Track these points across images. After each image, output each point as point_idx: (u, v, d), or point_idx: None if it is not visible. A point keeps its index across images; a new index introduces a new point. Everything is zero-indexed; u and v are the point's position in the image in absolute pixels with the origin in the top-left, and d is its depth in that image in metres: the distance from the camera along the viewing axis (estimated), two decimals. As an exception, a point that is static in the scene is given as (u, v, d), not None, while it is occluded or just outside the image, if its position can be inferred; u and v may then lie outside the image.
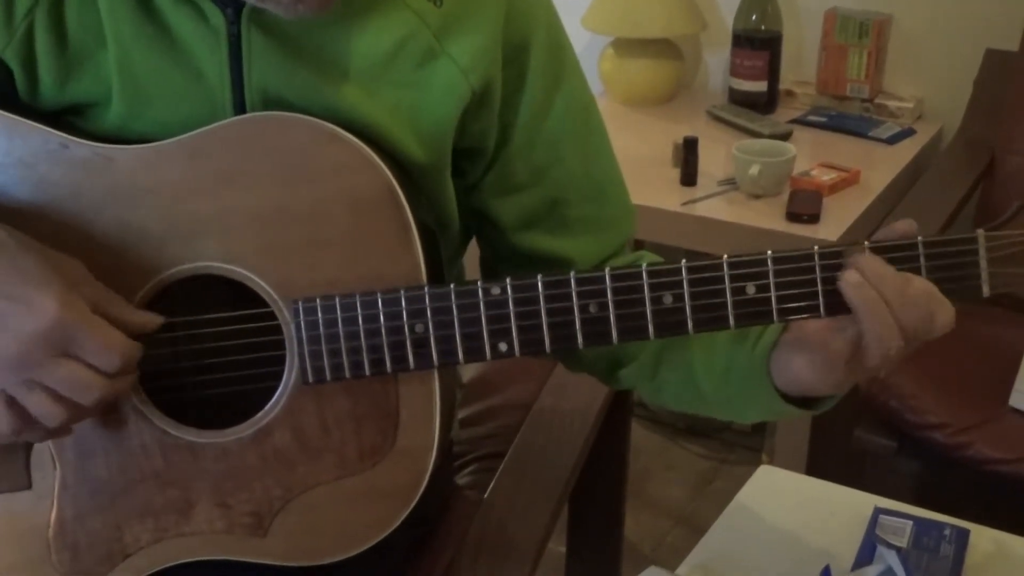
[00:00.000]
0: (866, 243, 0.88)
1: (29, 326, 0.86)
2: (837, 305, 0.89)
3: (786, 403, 0.97)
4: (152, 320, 0.94)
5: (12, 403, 0.89)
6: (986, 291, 0.88)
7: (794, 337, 0.94)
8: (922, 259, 0.88)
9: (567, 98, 1.07)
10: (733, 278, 0.89)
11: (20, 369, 0.87)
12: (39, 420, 0.89)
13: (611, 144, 1.13)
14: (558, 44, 1.08)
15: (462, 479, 1.40)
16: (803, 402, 0.98)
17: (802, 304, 0.90)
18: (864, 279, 0.87)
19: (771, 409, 0.99)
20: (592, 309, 0.90)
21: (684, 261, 0.89)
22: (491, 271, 1.14)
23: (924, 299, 0.87)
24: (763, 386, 0.97)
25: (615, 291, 0.90)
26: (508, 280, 0.91)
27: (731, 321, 0.90)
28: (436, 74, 0.99)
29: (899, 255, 0.88)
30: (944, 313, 0.88)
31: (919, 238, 0.88)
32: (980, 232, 0.88)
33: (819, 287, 0.89)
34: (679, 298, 0.90)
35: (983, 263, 0.88)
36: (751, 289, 0.89)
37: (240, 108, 0.96)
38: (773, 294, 0.89)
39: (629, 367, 1.09)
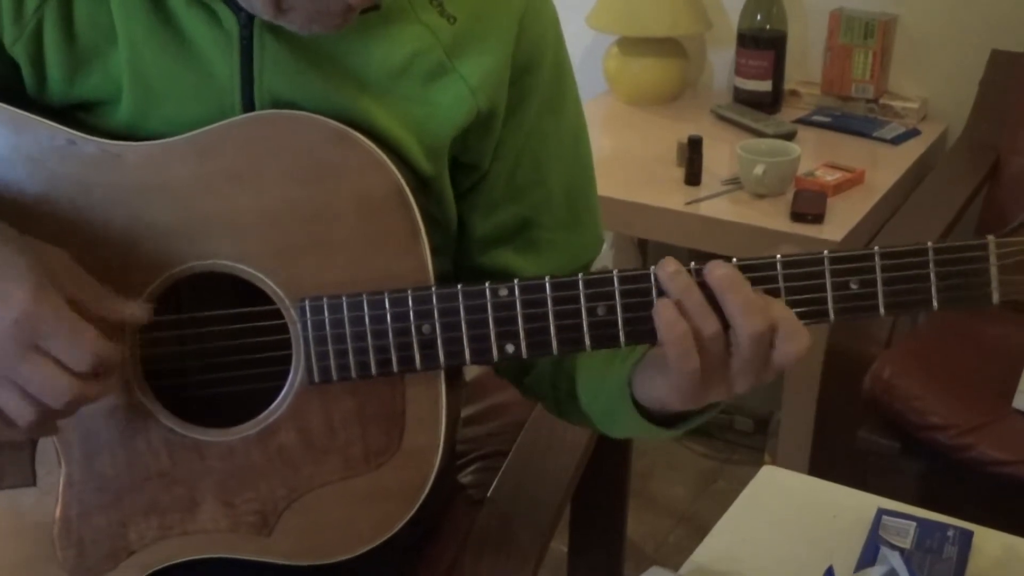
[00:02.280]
0: (876, 248, 0.88)
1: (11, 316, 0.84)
2: None
3: (646, 420, 0.96)
4: (141, 310, 0.92)
5: None
6: (996, 298, 0.88)
7: (654, 352, 0.93)
8: (931, 265, 0.87)
9: (561, 123, 1.08)
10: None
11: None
12: (12, 419, 0.87)
13: (594, 173, 1.14)
14: (562, 69, 1.08)
15: (464, 478, 1.40)
16: (669, 420, 0.96)
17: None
18: (663, 303, 0.86)
19: (631, 423, 0.97)
20: (600, 312, 0.90)
21: (693, 264, 0.89)
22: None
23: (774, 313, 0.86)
24: (624, 399, 0.96)
25: (623, 293, 0.90)
26: (516, 281, 0.91)
27: None
28: (446, 90, 0.99)
29: (909, 261, 0.88)
30: (798, 339, 0.86)
31: (929, 244, 0.88)
32: (990, 239, 0.88)
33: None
34: None
35: (993, 270, 0.87)
36: (758, 291, 0.89)
37: (249, 111, 0.96)
38: (784, 295, 0.89)
39: (532, 374, 1.10)
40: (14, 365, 0.85)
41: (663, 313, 0.86)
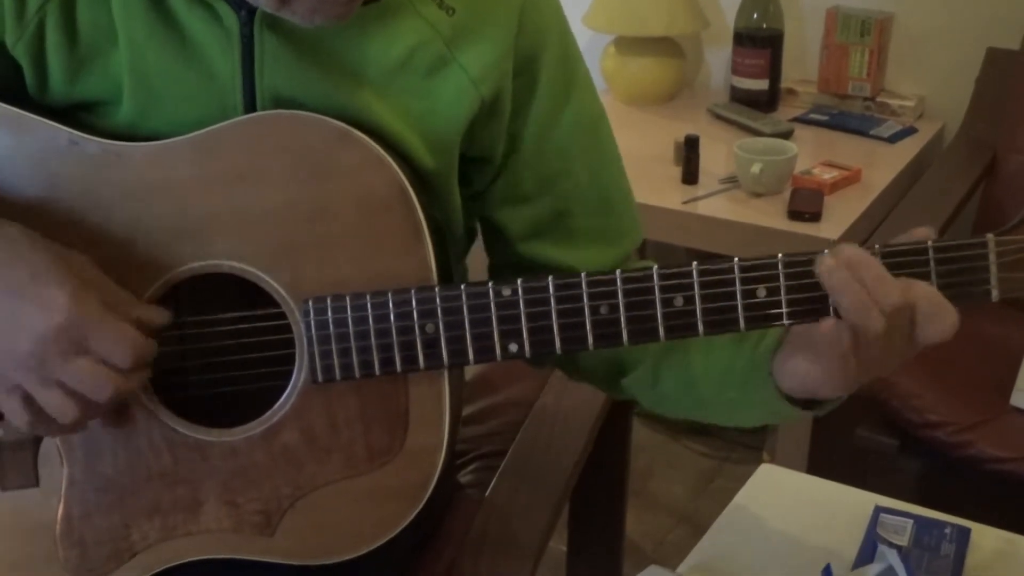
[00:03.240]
0: (877, 246, 0.88)
1: (42, 324, 0.86)
2: None
3: (788, 404, 0.97)
4: (160, 315, 0.94)
5: (28, 400, 0.89)
6: (995, 296, 0.88)
7: (797, 336, 0.94)
8: (932, 263, 0.88)
9: (577, 110, 1.08)
10: (744, 280, 0.89)
11: (35, 366, 0.87)
12: (53, 416, 0.89)
13: (620, 156, 1.14)
14: (569, 55, 1.08)
15: (464, 477, 1.40)
16: (806, 404, 0.97)
17: (811, 307, 0.89)
18: (837, 262, 0.86)
19: (772, 410, 0.99)
20: (603, 311, 0.90)
21: (695, 264, 0.89)
22: (500, 278, 1.14)
23: (913, 292, 0.86)
24: (765, 387, 0.97)
25: (626, 293, 0.90)
26: (519, 281, 0.91)
27: (741, 324, 0.90)
28: (447, 82, 0.99)
29: (909, 259, 0.88)
30: (942, 318, 0.87)
31: (929, 242, 0.88)
32: (990, 237, 0.88)
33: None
34: (690, 300, 0.90)
35: (993, 268, 0.88)
36: (762, 292, 0.89)
37: (251, 110, 0.96)
38: (783, 297, 0.89)
39: (631, 375, 1.09)
40: (60, 367, 0.87)
41: (835, 277, 0.86)
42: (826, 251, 0.88)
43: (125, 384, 0.90)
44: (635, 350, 1.06)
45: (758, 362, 0.97)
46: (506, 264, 1.11)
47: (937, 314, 0.87)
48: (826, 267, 0.87)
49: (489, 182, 1.08)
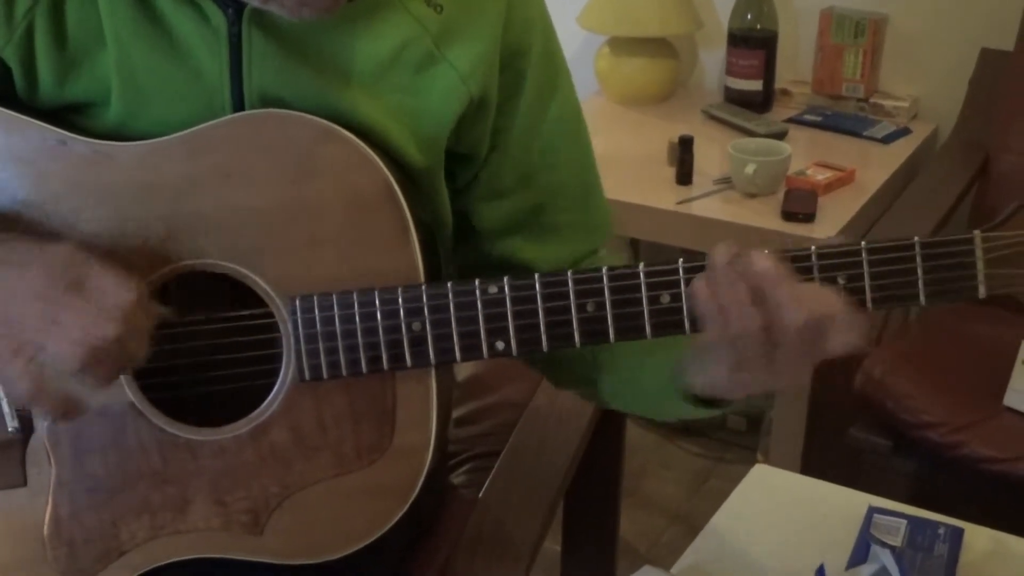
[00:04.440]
0: (863, 243, 0.88)
1: (42, 272, 0.86)
2: None
3: (692, 404, 0.97)
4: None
5: (30, 363, 0.87)
6: (983, 292, 0.88)
7: (701, 344, 0.93)
8: (919, 259, 0.88)
9: (561, 105, 1.08)
10: None
11: (37, 314, 0.86)
12: (63, 363, 0.87)
13: (594, 153, 1.14)
14: (553, 51, 1.08)
15: (457, 478, 1.40)
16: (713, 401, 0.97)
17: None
18: (699, 286, 0.87)
19: (681, 410, 0.99)
20: (590, 308, 0.90)
21: (681, 261, 0.89)
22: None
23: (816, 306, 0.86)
24: (674, 386, 0.97)
25: (612, 290, 0.90)
26: (506, 279, 0.91)
27: None
28: (436, 80, 0.99)
29: (896, 256, 0.88)
30: (847, 329, 0.86)
31: (916, 239, 0.88)
32: (976, 233, 0.88)
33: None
34: (676, 297, 0.90)
35: (980, 264, 0.88)
36: None
37: (239, 109, 0.96)
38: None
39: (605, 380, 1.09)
40: (62, 305, 0.86)
41: (699, 289, 0.86)
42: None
43: (128, 330, 0.87)
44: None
45: (670, 361, 0.97)
46: (469, 265, 1.10)
47: (837, 328, 0.86)
48: (692, 288, 0.87)
49: (471, 178, 1.07)
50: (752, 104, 2.48)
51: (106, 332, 0.86)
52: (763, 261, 0.86)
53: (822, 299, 0.86)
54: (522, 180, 1.07)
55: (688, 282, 0.89)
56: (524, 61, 1.04)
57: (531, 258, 1.08)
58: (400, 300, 0.92)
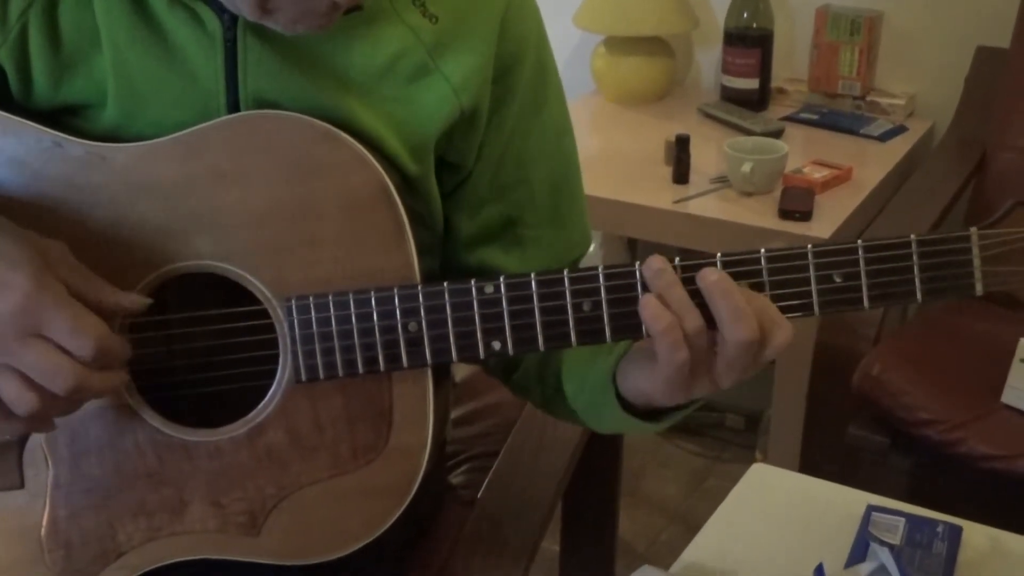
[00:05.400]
0: (859, 241, 0.88)
1: (0, 306, 0.84)
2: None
3: (629, 415, 0.97)
4: (133, 301, 0.92)
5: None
6: (979, 289, 0.88)
7: (640, 346, 0.94)
8: (915, 257, 0.88)
9: (544, 122, 1.08)
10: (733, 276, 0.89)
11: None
12: (12, 408, 0.86)
13: (580, 170, 1.14)
14: (545, 66, 1.08)
15: (455, 478, 1.40)
16: (653, 414, 0.97)
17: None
18: (648, 297, 0.87)
19: (618, 420, 0.98)
20: (586, 308, 0.90)
21: (678, 260, 0.89)
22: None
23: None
24: (608, 396, 0.97)
25: (608, 289, 0.90)
26: (502, 278, 0.91)
27: None
28: (428, 90, 1.00)
29: (892, 253, 0.88)
30: (777, 334, 0.87)
31: (912, 236, 0.88)
32: (973, 230, 0.88)
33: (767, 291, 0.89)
34: None
35: (976, 261, 0.88)
36: (743, 286, 0.89)
37: (234, 113, 0.96)
38: (768, 289, 0.89)
39: (518, 372, 1.10)
40: (15, 351, 0.84)
41: (648, 307, 0.87)
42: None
43: (88, 378, 0.86)
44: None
45: (606, 368, 0.98)
46: (450, 268, 1.10)
47: (776, 328, 0.87)
48: (642, 302, 0.88)
49: (455, 186, 1.08)
50: (748, 102, 2.48)
51: (63, 385, 0.85)
52: (710, 275, 0.87)
53: (765, 312, 0.87)
54: (497, 191, 1.08)
55: (686, 282, 0.89)
56: (515, 76, 1.05)
57: (504, 268, 1.08)
58: (396, 300, 0.92)
